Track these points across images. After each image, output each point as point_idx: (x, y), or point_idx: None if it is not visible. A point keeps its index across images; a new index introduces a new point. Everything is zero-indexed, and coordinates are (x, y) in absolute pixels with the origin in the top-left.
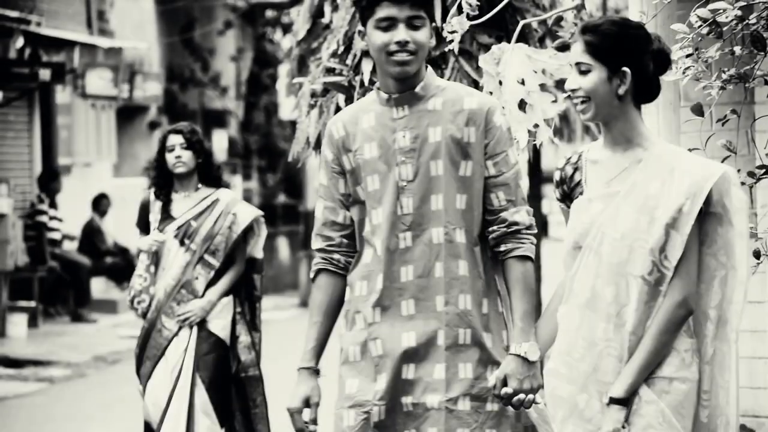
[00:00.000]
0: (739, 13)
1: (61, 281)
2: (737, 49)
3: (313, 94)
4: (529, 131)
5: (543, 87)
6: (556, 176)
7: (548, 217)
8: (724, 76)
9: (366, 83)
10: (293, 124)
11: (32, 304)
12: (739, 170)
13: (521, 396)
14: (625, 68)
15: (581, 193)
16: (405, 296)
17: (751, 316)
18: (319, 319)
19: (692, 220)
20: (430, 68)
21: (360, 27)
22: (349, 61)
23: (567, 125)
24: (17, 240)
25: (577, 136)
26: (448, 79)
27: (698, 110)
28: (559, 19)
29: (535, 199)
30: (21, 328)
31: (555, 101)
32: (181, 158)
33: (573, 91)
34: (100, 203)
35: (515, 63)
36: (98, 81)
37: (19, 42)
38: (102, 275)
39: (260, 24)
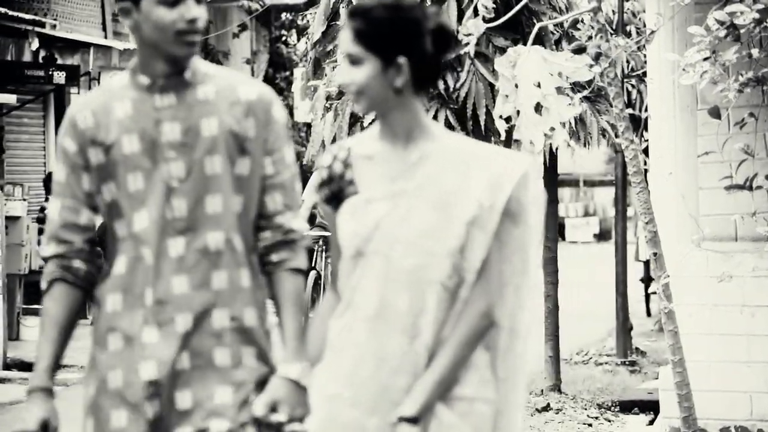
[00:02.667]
0: (757, 15)
1: None
2: (755, 52)
3: (329, 97)
4: (545, 134)
5: (559, 90)
6: (323, 174)
7: (564, 221)
8: (742, 79)
9: None
10: (308, 126)
11: None
12: (756, 173)
13: (294, 426)
14: (400, 59)
15: (355, 192)
16: (181, 310)
17: (765, 322)
18: (54, 334)
19: (496, 216)
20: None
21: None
22: None
23: (583, 128)
24: (32, 243)
25: (593, 139)
26: (464, 83)
27: (715, 113)
28: (575, 22)
29: (551, 202)
30: (35, 332)
31: (571, 104)
32: None
33: (346, 85)
34: None
35: (531, 65)
36: None
37: (34, 44)
38: None
39: (275, 27)
